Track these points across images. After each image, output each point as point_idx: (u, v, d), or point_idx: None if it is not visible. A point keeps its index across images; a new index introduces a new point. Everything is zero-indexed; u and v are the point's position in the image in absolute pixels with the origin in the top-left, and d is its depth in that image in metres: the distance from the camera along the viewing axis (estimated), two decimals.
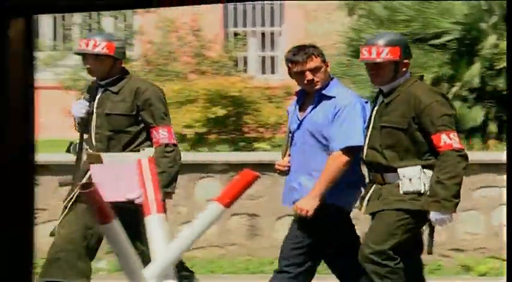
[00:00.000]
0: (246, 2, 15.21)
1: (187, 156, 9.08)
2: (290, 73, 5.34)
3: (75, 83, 14.02)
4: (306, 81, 5.23)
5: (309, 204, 5.09)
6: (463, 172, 4.98)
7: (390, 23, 11.26)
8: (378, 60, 5.04)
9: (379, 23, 11.40)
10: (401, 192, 4.99)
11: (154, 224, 4.10)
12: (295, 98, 5.44)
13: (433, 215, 4.94)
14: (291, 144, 5.36)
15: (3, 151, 1.59)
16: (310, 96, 5.29)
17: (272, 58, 16.60)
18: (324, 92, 5.23)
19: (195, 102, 11.32)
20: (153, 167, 4.32)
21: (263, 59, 16.67)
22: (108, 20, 14.98)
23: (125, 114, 5.63)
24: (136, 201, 5.12)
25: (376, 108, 5.16)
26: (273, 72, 16.39)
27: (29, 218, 1.64)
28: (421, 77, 5.33)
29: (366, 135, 5.13)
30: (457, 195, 4.95)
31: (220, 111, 11.12)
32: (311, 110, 5.26)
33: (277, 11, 16.51)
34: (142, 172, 4.32)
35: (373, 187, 5.11)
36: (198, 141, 11.12)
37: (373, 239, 5.02)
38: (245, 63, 16.12)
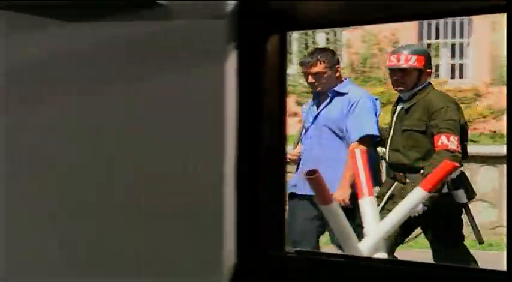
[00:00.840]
0: (440, 19, 14.92)
1: None
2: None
3: (294, 88, 14.25)
4: (308, 82, 5.07)
5: (344, 194, 4.79)
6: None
7: None
8: (405, 66, 4.75)
9: None
10: None
11: (366, 205, 4.11)
12: (311, 98, 5.19)
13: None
14: (304, 138, 5.08)
15: (261, 146, 1.66)
16: (324, 94, 5.03)
17: (461, 65, 16.15)
18: (336, 89, 4.98)
19: None
20: (364, 155, 4.32)
21: (453, 66, 16.26)
22: (320, 36, 15.11)
23: None
24: None
25: (395, 115, 4.84)
26: (461, 77, 15.95)
27: (282, 199, 1.71)
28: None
29: (387, 139, 4.82)
30: None
31: None
32: (325, 106, 5.00)
33: (466, 24, 16.06)
34: (355, 160, 4.32)
35: (395, 184, 4.75)
36: None
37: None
38: (438, 69, 15.77)
